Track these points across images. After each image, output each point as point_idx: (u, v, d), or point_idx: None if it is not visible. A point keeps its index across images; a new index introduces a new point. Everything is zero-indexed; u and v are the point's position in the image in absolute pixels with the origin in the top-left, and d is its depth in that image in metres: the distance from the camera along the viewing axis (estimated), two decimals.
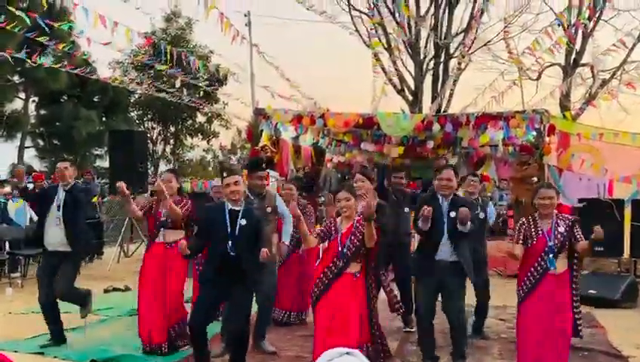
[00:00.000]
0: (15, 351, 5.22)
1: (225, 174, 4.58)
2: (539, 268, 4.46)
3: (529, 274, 4.50)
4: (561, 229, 4.48)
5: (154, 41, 11.87)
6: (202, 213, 4.47)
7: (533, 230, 4.54)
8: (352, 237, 4.31)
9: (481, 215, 5.65)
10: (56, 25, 9.30)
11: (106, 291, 8.38)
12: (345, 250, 4.29)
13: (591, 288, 7.39)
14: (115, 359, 5.04)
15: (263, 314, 5.40)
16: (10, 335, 5.76)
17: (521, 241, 4.56)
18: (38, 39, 9.63)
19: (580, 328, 5.12)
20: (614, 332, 6.21)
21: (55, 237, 5.35)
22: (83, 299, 5.53)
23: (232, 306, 4.37)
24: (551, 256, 4.41)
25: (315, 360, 4.14)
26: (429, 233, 4.76)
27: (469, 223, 4.57)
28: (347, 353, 1.67)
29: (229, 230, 4.26)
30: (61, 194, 5.44)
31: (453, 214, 4.65)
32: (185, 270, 5.48)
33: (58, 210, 5.38)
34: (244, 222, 4.32)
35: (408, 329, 5.92)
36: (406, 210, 6.10)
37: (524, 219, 4.68)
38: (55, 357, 5.10)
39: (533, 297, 4.45)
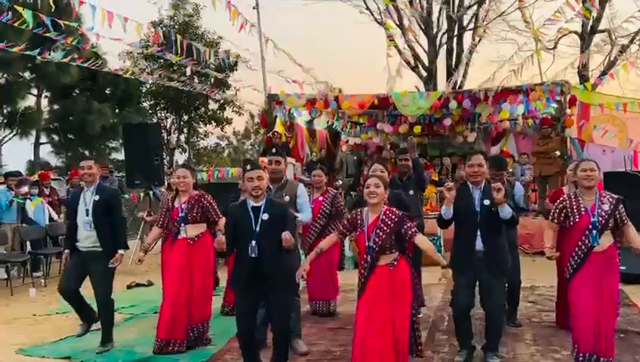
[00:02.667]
0: (42, 357, 5.20)
1: (248, 167, 4.31)
2: (583, 246, 4.30)
3: (574, 254, 4.35)
4: (606, 208, 4.30)
5: (163, 31, 11.70)
6: (227, 214, 4.33)
7: (575, 208, 4.36)
8: (378, 231, 4.09)
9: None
10: (63, 22, 9.20)
11: (129, 287, 8.36)
12: (372, 244, 4.10)
13: (620, 264, 7.17)
14: (143, 361, 4.98)
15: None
16: (36, 340, 5.73)
17: (556, 221, 4.44)
18: (46, 35, 9.57)
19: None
20: None
21: (87, 240, 5.22)
22: (109, 333, 5.34)
23: (272, 308, 4.24)
24: (594, 232, 4.24)
25: (353, 359, 4.05)
26: (461, 224, 4.58)
27: (506, 207, 4.39)
28: None
29: (254, 228, 4.15)
30: (88, 198, 5.26)
31: (487, 202, 4.46)
32: (210, 266, 5.38)
33: (87, 215, 5.20)
34: (265, 216, 4.18)
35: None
36: (411, 192, 5.87)
37: (565, 197, 4.50)
38: (81, 361, 5.05)
39: (580, 276, 4.30)
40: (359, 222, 4.21)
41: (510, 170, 10.88)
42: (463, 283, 4.53)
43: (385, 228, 4.09)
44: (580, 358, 4.26)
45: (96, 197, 5.24)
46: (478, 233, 4.45)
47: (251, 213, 4.21)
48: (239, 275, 4.24)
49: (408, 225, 4.11)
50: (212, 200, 5.35)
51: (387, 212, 4.17)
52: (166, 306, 5.20)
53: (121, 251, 5.18)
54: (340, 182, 13.24)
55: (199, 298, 5.23)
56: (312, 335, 5.47)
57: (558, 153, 11.40)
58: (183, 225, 5.23)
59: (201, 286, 5.24)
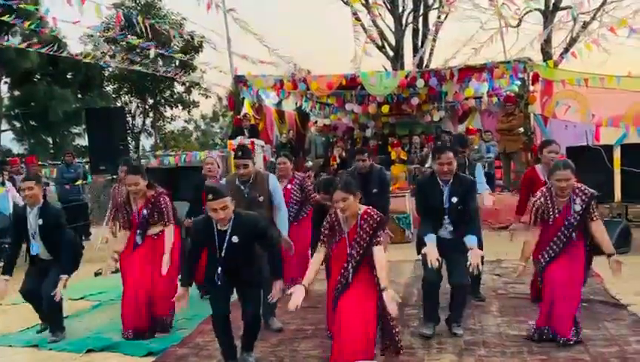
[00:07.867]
0: (10, 346, 5.13)
1: (210, 196, 3.93)
2: (559, 242, 4.44)
3: (548, 247, 4.48)
4: (578, 208, 4.37)
5: (124, 12, 11.42)
6: (191, 227, 4.26)
7: (550, 208, 4.45)
8: (359, 240, 3.98)
9: None
10: (21, 4, 8.92)
11: (96, 274, 8.23)
12: (353, 251, 4.01)
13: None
14: (112, 346, 4.93)
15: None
16: (3, 329, 5.64)
17: (539, 225, 4.52)
18: (2, 19, 9.27)
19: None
20: (611, 281, 6.18)
21: (39, 251, 5.18)
22: (58, 323, 5.26)
23: (243, 298, 4.23)
24: (571, 230, 4.39)
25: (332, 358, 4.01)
26: (428, 216, 4.73)
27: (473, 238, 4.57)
28: None
29: (218, 254, 4.05)
30: (32, 220, 5.11)
31: (455, 200, 4.61)
32: (176, 257, 5.28)
33: (33, 238, 5.12)
34: (235, 239, 4.02)
35: None
36: (374, 190, 5.90)
37: (539, 195, 4.54)
38: (50, 349, 4.98)
39: (556, 263, 4.45)
40: (337, 226, 4.09)
41: (476, 147, 11.03)
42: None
43: (365, 236, 3.97)
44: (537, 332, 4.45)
45: (40, 221, 5.10)
46: (443, 225, 4.66)
47: (216, 238, 4.05)
48: (211, 280, 4.18)
49: (380, 233, 3.99)
50: (168, 201, 5.29)
51: (365, 216, 4.00)
52: (128, 298, 5.17)
53: (64, 277, 4.98)
54: (311, 163, 13.25)
55: (163, 290, 5.17)
56: (284, 315, 5.48)
57: (521, 130, 11.59)
58: (140, 231, 5.20)
59: (165, 278, 5.15)
